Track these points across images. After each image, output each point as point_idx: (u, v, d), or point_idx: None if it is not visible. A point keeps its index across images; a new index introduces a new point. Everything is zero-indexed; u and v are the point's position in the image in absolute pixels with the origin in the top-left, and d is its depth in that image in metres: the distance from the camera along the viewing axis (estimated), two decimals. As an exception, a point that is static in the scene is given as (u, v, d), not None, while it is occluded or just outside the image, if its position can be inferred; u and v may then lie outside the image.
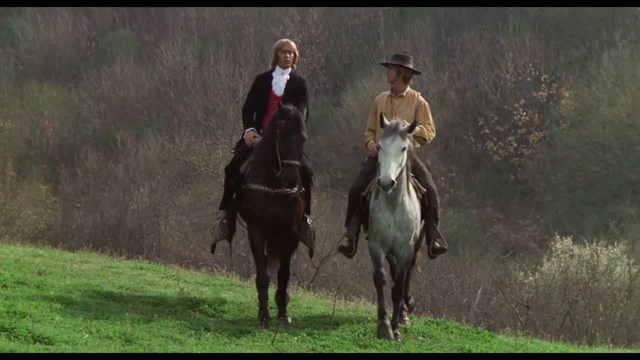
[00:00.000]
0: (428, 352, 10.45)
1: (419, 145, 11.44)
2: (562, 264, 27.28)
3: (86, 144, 41.89)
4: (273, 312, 11.42)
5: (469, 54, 43.93)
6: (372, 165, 10.94)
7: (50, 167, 40.70)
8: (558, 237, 29.28)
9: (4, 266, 12.82)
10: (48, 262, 14.04)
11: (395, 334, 10.75)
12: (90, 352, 9.09)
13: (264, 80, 11.62)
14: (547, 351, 11.29)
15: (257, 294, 11.32)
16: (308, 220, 11.46)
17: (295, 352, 9.97)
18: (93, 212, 32.03)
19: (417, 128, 11.20)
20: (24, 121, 42.57)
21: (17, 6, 48.28)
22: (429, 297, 23.74)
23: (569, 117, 41.32)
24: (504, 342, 11.37)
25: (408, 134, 10.55)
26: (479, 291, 25.08)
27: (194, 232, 30.99)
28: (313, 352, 10.07)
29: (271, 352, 9.81)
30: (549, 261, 28.17)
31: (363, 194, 11.01)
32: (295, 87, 11.53)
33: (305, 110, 11.09)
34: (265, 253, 11.36)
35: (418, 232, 11.01)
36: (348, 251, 11.19)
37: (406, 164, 10.66)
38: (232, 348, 9.83)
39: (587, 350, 12.49)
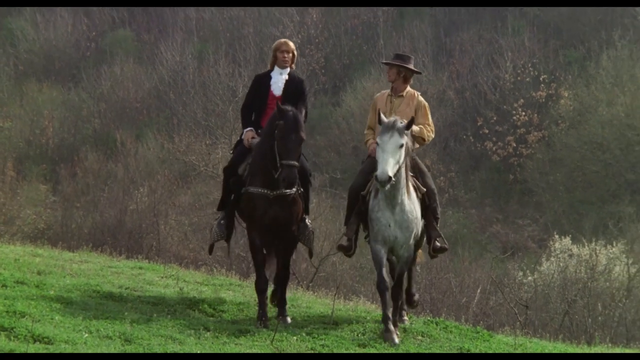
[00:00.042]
0: (427, 351, 10.46)
1: (418, 146, 11.45)
2: (561, 264, 27.29)
3: (86, 143, 41.89)
4: (272, 312, 11.43)
5: (468, 54, 43.94)
6: (372, 164, 10.93)
7: (49, 167, 40.70)
8: (557, 236, 29.29)
9: (4, 266, 12.83)
10: (48, 261, 14.05)
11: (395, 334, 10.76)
12: (89, 351, 9.10)
13: (263, 80, 11.61)
14: (546, 351, 11.31)
15: (256, 293, 11.34)
16: (307, 220, 11.46)
17: (295, 351, 9.98)
18: (93, 211, 32.03)
19: (417, 128, 11.21)
20: (23, 121, 42.56)
21: (16, 6, 48.27)
22: (428, 297, 23.75)
23: (568, 117, 41.33)
24: (503, 342, 11.37)
25: (406, 131, 10.53)
26: (478, 291, 25.09)
27: (193, 232, 31.00)
28: (312, 351, 10.08)
29: (270, 351, 9.82)
30: (547, 261, 28.18)
31: (363, 193, 11.00)
32: (293, 87, 11.52)
33: (303, 111, 11.08)
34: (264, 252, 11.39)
35: (419, 232, 11.01)
36: (347, 250, 11.18)
37: (406, 164, 10.65)
38: (232, 347, 9.84)
39: (585, 349, 12.51)
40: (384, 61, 12.04)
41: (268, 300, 11.47)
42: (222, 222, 11.54)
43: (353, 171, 30.82)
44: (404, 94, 11.38)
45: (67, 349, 9.13)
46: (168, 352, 9.35)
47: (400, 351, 10.32)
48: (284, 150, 10.67)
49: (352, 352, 10.17)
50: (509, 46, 43.37)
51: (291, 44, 11.70)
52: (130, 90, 44.78)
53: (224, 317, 11.33)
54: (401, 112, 11.06)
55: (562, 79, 42.65)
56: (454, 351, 10.61)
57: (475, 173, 41.52)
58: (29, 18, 48.55)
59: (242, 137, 11.56)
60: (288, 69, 11.61)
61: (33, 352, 8.88)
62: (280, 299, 11.45)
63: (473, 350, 10.68)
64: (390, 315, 10.67)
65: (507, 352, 10.87)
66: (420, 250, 11.84)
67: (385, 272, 10.78)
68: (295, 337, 10.37)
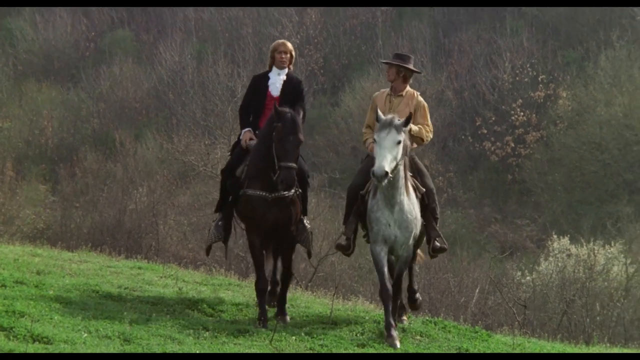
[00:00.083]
0: (426, 351, 10.47)
1: (416, 145, 11.46)
2: (560, 264, 27.31)
3: (85, 143, 41.90)
4: (272, 312, 11.44)
5: (467, 54, 43.97)
6: (371, 163, 10.90)
7: (49, 167, 40.71)
8: (555, 236, 29.32)
9: (3, 266, 12.83)
10: (47, 261, 14.05)
11: None
12: (89, 351, 9.11)
13: (261, 81, 11.61)
14: (545, 350, 11.31)
15: (255, 293, 11.35)
16: (305, 221, 11.45)
17: (294, 351, 9.99)
18: (92, 211, 32.04)
19: (416, 128, 11.21)
20: (23, 121, 42.57)
21: (16, 6, 48.28)
22: (427, 297, 23.73)
23: (566, 117, 41.37)
24: (502, 342, 11.38)
25: (404, 128, 10.53)
26: (477, 291, 25.11)
27: (192, 231, 31.01)
28: (311, 351, 10.09)
29: (269, 351, 9.83)
30: (546, 261, 28.20)
31: (362, 193, 10.99)
32: (291, 88, 11.52)
33: (301, 113, 11.08)
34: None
35: (417, 232, 10.99)
36: (346, 249, 11.17)
37: (405, 164, 10.64)
38: (231, 347, 9.85)
39: (584, 349, 12.52)
40: (384, 60, 12.02)
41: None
42: (219, 223, 11.53)
43: (352, 171, 30.86)
44: (404, 93, 11.37)
45: (67, 348, 9.14)
46: (167, 352, 9.36)
47: (399, 351, 10.32)
48: (282, 152, 10.66)
49: (351, 352, 10.18)
50: (507, 46, 43.40)
51: (289, 45, 11.69)
52: (130, 90, 44.80)
53: (223, 317, 11.33)
54: (400, 111, 11.03)
55: (561, 79, 42.68)
56: (453, 351, 10.61)
57: (474, 173, 41.55)
58: (28, 18, 48.56)
59: (240, 137, 11.55)
60: (286, 70, 11.61)
61: (32, 352, 8.89)
62: (280, 299, 11.45)
63: (472, 350, 10.68)
64: (393, 322, 10.65)
65: (506, 352, 10.87)
66: (420, 251, 11.85)
67: (387, 280, 10.74)
68: (294, 337, 10.38)
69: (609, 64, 41.16)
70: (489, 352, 10.74)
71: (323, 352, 10.10)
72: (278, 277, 11.88)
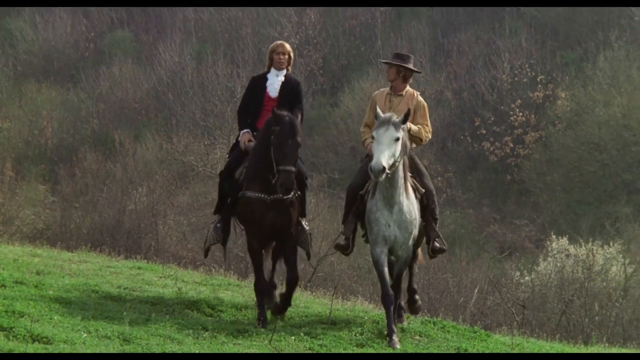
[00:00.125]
0: (425, 351, 10.48)
1: (415, 145, 11.46)
2: (558, 264, 27.32)
3: (84, 144, 41.92)
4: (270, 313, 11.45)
5: (466, 54, 44.01)
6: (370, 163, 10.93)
7: (48, 167, 40.73)
8: (554, 237, 29.33)
9: (3, 266, 12.85)
10: (46, 261, 14.07)
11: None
12: (88, 351, 9.12)
13: (259, 82, 11.60)
14: (543, 350, 11.32)
15: (255, 294, 11.37)
16: (304, 223, 11.45)
17: (293, 351, 9.99)
18: (91, 212, 32.06)
19: (415, 127, 11.20)
20: (22, 121, 42.59)
21: (15, 6, 48.29)
22: (426, 297, 23.76)
23: (565, 117, 41.41)
24: (501, 342, 11.38)
25: (402, 126, 10.50)
26: (476, 291, 25.12)
27: (192, 232, 31.02)
28: (310, 351, 10.10)
29: (269, 351, 9.84)
30: (545, 261, 28.21)
31: (361, 193, 10.97)
32: (289, 89, 11.51)
33: (299, 116, 11.07)
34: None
35: (417, 233, 10.97)
36: (345, 249, 11.16)
37: (404, 164, 10.62)
38: (230, 347, 9.86)
39: (582, 349, 12.53)
40: (384, 60, 12.02)
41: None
42: (218, 225, 11.51)
43: (351, 171, 30.86)
44: (404, 93, 11.36)
45: (66, 348, 9.15)
46: (166, 352, 9.37)
47: (398, 351, 10.33)
48: (280, 155, 10.65)
49: (350, 351, 10.19)
50: (506, 47, 43.44)
51: (287, 46, 11.69)
52: (129, 91, 44.82)
53: (222, 317, 11.34)
54: (400, 111, 10.98)
55: (559, 80, 42.72)
56: (452, 351, 10.62)
57: (473, 173, 41.58)
58: (27, 19, 48.58)
59: (239, 138, 11.55)
60: (284, 71, 11.60)
61: (32, 352, 8.90)
62: (284, 301, 11.42)
63: (470, 350, 10.69)
64: (394, 328, 10.63)
65: (505, 352, 10.88)
66: (420, 252, 11.84)
67: (389, 284, 10.70)
68: (293, 337, 10.39)
69: (607, 64, 41.20)
70: (487, 352, 10.74)
71: (322, 352, 10.10)
72: (275, 279, 11.88)
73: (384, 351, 10.28)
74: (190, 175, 35.53)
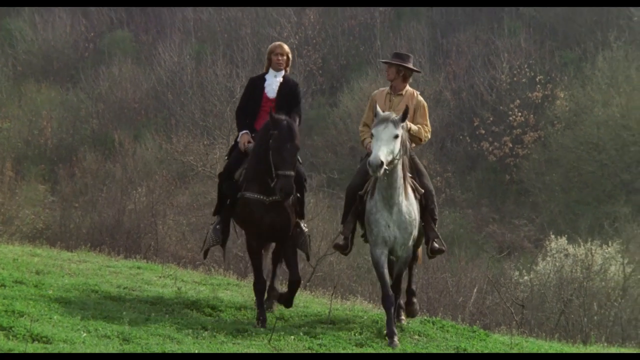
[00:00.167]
0: (424, 351, 10.48)
1: (414, 145, 11.45)
2: (557, 264, 27.33)
3: (84, 144, 41.92)
4: (270, 315, 11.47)
5: (465, 55, 44.03)
6: (369, 162, 10.89)
7: (48, 167, 40.74)
8: (553, 236, 29.34)
9: (3, 265, 12.87)
10: (46, 261, 14.08)
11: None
12: (88, 351, 9.13)
13: (257, 83, 11.60)
14: (542, 350, 11.33)
15: (254, 294, 11.38)
16: (302, 225, 11.46)
17: (292, 351, 10.00)
18: (91, 211, 32.07)
19: (415, 127, 11.18)
20: (22, 121, 42.59)
21: (15, 6, 48.29)
22: (425, 296, 23.79)
23: (563, 117, 41.43)
24: (500, 341, 11.40)
25: (401, 124, 10.48)
26: (475, 290, 25.14)
27: (191, 231, 31.03)
28: (310, 351, 10.11)
29: (268, 351, 9.85)
30: (543, 260, 28.22)
31: (360, 193, 10.96)
32: (287, 90, 11.50)
33: (297, 119, 11.06)
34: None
35: (417, 233, 10.96)
36: (343, 249, 11.15)
37: (403, 164, 10.60)
38: (230, 347, 9.88)
39: (581, 349, 12.54)
40: (383, 60, 12.01)
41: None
42: (217, 227, 11.51)
43: (350, 171, 30.88)
44: (404, 92, 11.34)
45: (66, 348, 9.16)
46: (166, 351, 9.38)
47: (397, 351, 10.34)
48: (279, 160, 10.65)
49: (349, 351, 10.20)
50: (505, 47, 43.47)
51: (286, 47, 11.69)
52: (129, 91, 44.83)
53: (221, 317, 11.36)
54: (400, 110, 10.90)
55: (558, 80, 42.75)
56: (451, 351, 10.63)
57: (472, 173, 41.60)
58: (27, 19, 48.58)
59: (238, 139, 11.54)
60: (283, 72, 11.59)
61: (32, 351, 8.91)
62: (285, 301, 11.42)
63: (470, 350, 10.70)
64: (395, 329, 10.62)
65: (504, 351, 10.89)
66: (420, 252, 11.82)
67: (389, 286, 10.68)
68: (292, 337, 10.41)
69: (606, 64, 41.21)
70: (486, 351, 10.74)
71: (322, 351, 10.12)
72: (276, 285, 11.87)
73: (383, 351, 10.29)
74: (189, 175, 35.54)
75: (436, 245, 11.14)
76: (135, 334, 9.91)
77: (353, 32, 46.66)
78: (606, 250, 27.79)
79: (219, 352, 9.64)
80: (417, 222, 10.86)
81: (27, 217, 31.88)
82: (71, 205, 33.55)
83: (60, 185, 37.33)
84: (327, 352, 10.10)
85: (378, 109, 10.61)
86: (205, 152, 35.07)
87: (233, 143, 11.77)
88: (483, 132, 42.02)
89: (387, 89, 11.45)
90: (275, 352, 9.82)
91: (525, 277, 27.49)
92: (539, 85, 42.57)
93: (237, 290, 13.32)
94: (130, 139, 41.19)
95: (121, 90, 44.84)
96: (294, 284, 11.26)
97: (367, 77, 42.47)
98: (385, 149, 10.24)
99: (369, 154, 10.90)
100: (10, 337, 9.32)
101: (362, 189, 11.00)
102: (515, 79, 42.79)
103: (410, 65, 11.39)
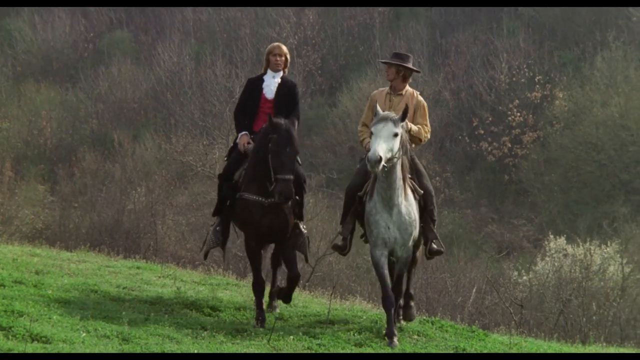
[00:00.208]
0: (423, 351, 10.49)
1: (414, 145, 11.45)
2: (556, 264, 27.34)
3: (83, 144, 41.94)
4: (270, 314, 11.49)
5: (464, 55, 44.05)
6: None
7: (47, 167, 40.75)
8: (552, 236, 29.35)
9: (2, 265, 12.88)
10: (46, 261, 14.10)
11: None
12: (87, 351, 9.14)
13: (255, 84, 11.59)
14: (541, 350, 11.33)
15: (253, 294, 11.39)
16: (301, 226, 11.47)
17: (292, 351, 10.01)
18: (90, 211, 32.09)
19: (415, 128, 11.17)
20: (21, 122, 42.60)
21: (14, 6, 48.29)
22: (424, 296, 23.81)
23: (562, 117, 41.45)
24: (498, 341, 11.40)
25: (401, 123, 10.47)
26: (474, 290, 25.15)
27: (190, 231, 31.05)
28: (309, 351, 10.12)
29: (267, 351, 9.86)
30: (542, 261, 28.23)
31: (359, 194, 10.95)
32: (286, 91, 11.50)
33: (296, 122, 11.05)
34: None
35: (416, 234, 10.95)
36: (342, 250, 11.15)
37: (403, 165, 10.57)
38: (229, 347, 9.89)
39: (580, 349, 12.55)
40: (383, 60, 12.00)
41: (266, 297, 11.55)
42: (217, 228, 11.52)
43: (349, 171, 30.89)
44: (403, 92, 11.31)
45: (65, 348, 9.17)
46: (165, 351, 9.39)
47: (396, 351, 10.35)
48: (278, 164, 10.67)
49: (348, 351, 10.20)
50: (504, 47, 43.49)
51: (284, 48, 11.68)
52: (128, 91, 44.84)
53: (221, 317, 11.37)
54: (400, 110, 10.87)
55: (557, 80, 42.77)
56: (450, 350, 10.64)
57: (471, 173, 41.62)
58: (26, 19, 48.59)
59: (237, 141, 11.53)
60: (281, 73, 11.59)
61: (31, 351, 8.91)
62: (284, 297, 11.42)
63: (469, 350, 10.70)
64: (395, 330, 10.62)
65: (503, 351, 10.89)
66: (419, 253, 11.78)
67: (390, 287, 10.68)
68: (292, 337, 10.41)
69: (605, 64, 41.24)
70: (485, 351, 10.75)
71: (321, 351, 10.12)
72: (276, 287, 11.86)
73: (382, 351, 10.30)
74: (189, 175, 35.56)
75: (435, 246, 11.13)
76: (135, 333, 9.92)
77: (352, 33, 46.68)
78: (605, 250, 27.80)
79: (218, 352, 9.64)
80: (417, 222, 10.84)
81: (26, 217, 31.90)
82: (70, 205, 33.58)
83: (60, 185, 37.35)
84: (326, 352, 10.11)
85: (378, 108, 10.60)
86: (204, 152, 35.09)
87: (232, 144, 11.78)
88: (482, 132, 42.04)
89: (386, 89, 11.42)
90: (274, 352, 9.84)
91: (524, 277, 27.50)
92: (537, 86, 42.59)
93: (237, 290, 13.33)
94: (130, 139, 41.19)
95: (120, 90, 44.85)
96: (293, 280, 11.27)
97: (366, 77, 42.50)
98: (385, 145, 10.22)
99: (368, 152, 10.94)
100: (10, 337, 9.33)
101: (361, 189, 10.97)
102: (514, 79, 42.81)
103: (410, 65, 11.36)
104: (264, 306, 11.24)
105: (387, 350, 10.34)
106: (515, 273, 28.29)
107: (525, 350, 11.16)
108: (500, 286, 25.10)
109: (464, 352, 10.64)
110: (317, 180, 36.13)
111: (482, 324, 20.51)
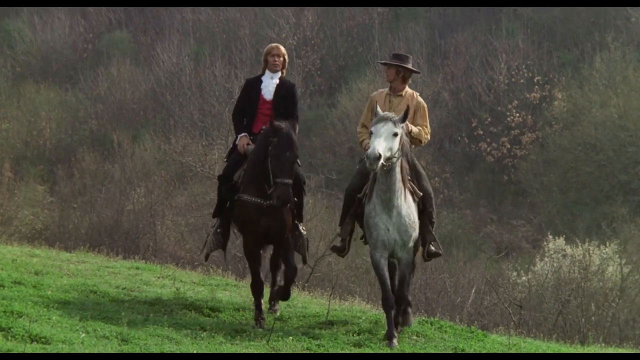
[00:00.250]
0: (422, 351, 10.49)
1: (414, 147, 11.44)
2: (555, 264, 27.35)
3: (83, 144, 41.94)
4: (270, 315, 11.50)
5: (463, 55, 44.08)
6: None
7: (47, 167, 40.75)
8: (551, 237, 29.35)
9: (1, 266, 12.90)
10: (45, 262, 14.11)
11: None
12: (86, 351, 9.15)
13: (254, 85, 11.58)
14: (540, 350, 11.33)
15: (252, 295, 11.40)
16: (301, 227, 11.48)
17: (291, 351, 10.02)
18: (90, 212, 32.09)
19: (416, 129, 11.15)
20: (21, 122, 42.61)
21: (13, 6, 48.29)
22: (423, 297, 23.82)
23: (561, 118, 41.48)
24: (497, 342, 11.40)
25: (401, 124, 10.46)
26: (473, 291, 25.16)
27: (190, 232, 31.06)
28: (308, 351, 10.12)
29: (266, 351, 9.87)
30: (541, 261, 28.23)
31: (359, 196, 10.94)
32: (284, 91, 11.49)
33: (296, 126, 11.05)
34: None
35: (416, 236, 10.91)
36: (340, 251, 11.15)
37: (402, 166, 10.56)
38: (228, 347, 9.90)
39: (579, 349, 12.54)
40: (382, 61, 11.98)
41: (266, 297, 11.56)
42: (218, 231, 11.52)
43: (348, 172, 30.93)
44: (403, 93, 11.30)
45: (65, 348, 9.17)
46: (165, 352, 9.40)
47: (395, 351, 10.36)
48: (278, 168, 10.67)
49: (347, 351, 10.21)
50: (503, 48, 43.52)
51: (282, 49, 11.67)
52: (127, 92, 44.85)
53: (220, 317, 11.38)
54: (400, 111, 10.87)
55: (556, 81, 42.80)
56: (449, 351, 10.64)
57: (470, 174, 41.65)
58: (26, 20, 48.60)
59: (236, 142, 11.53)
60: (279, 73, 11.57)
61: (30, 352, 8.92)
62: (283, 293, 11.42)
63: (467, 350, 10.70)
64: (394, 332, 10.61)
65: (501, 351, 10.89)
66: (418, 254, 11.78)
67: (389, 288, 10.65)
68: (291, 337, 10.42)
69: (604, 65, 41.27)
70: (484, 352, 10.74)
71: (320, 352, 10.13)
72: (277, 286, 11.87)
73: (381, 351, 10.31)
74: (188, 176, 35.56)
75: (433, 248, 11.11)
76: (134, 334, 9.93)
77: (351, 33, 46.70)
78: (604, 251, 27.81)
79: (218, 352, 9.65)
80: (416, 224, 10.81)
81: (25, 217, 31.91)
82: (70, 205, 33.59)
83: (59, 186, 37.35)
84: (326, 352, 10.12)
85: (378, 108, 10.58)
86: (203, 153, 35.09)
87: (232, 145, 11.78)
88: (481, 132, 42.07)
89: (386, 90, 11.40)
90: (273, 352, 9.84)
91: (523, 278, 27.51)
92: (536, 86, 42.62)
93: (236, 291, 13.34)
94: (129, 139, 41.20)
95: (120, 91, 44.86)
96: (290, 272, 11.21)
97: (366, 78, 42.52)
98: (385, 143, 10.20)
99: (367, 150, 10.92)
100: (9, 337, 9.33)
101: (360, 191, 10.95)
102: (513, 79, 42.84)
103: (410, 66, 11.35)
104: (263, 307, 11.26)
105: (386, 350, 10.35)
106: (514, 273, 28.30)
107: (524, 351, 11.16)
108: (499, 287, 25.12)
109: (463, 352, 10.64)
110: (316, 180, 36.16)
111: (481, 324, 20.52)
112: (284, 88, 11.53)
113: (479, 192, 40.93)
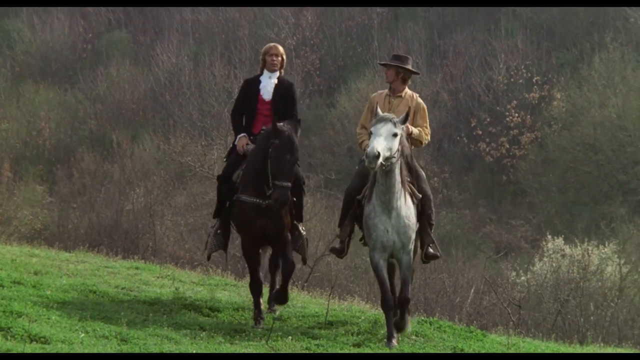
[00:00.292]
0: (421, 351, 10.50)
1: (414, 147, 11.44)
2: (554, 264, 27.36)
3: (82, 144, 41.94)
4: (269, 315, 11.51)
5: (462, 56, 44.09)
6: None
7: (46, 167, 40.75)
8: (550, 237, 29.37)
9: (1, 266, 12.91)
10: (44, 262, 14.13)
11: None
12: (86, 351, 9.15)
13: (252, 85, 11.56)
14: (539, 350, 11.34)
15: (251, 295, 11.41)
16: (300, 228, 11.48)
17: (290, 351, 10.03)
18: (89, 212, 32.10)
19: (416, 131, 11.13)
20: (20, 122, 42.62)
21: (13, 6, 48.29)
22: (422, 297, 23.82)
23: (560, 118, 41.50)
24: (497, 342, 11.42)
25: (402, 125, 10.45)
26: (472, 291, 25.17)
27: (189, 232, 31.07)
28: (307, 351, 10.13)
29: (266, 351, 9.88)
30: (540, 261, 28.25)
31: (358, 198, 10.92)
32: (283, 91, 11.48)
33: (299, 129, 11.05)
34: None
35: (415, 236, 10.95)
36: (339, 253, 11.13)
37: (401, 168, 10.55)
38: (227, 347, 9.91)
39: (578, 349, 12.57)
40: (382, 62, 11.97)
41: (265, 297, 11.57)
42: (218, 231, 11.51)
43: (348, 172, 30.94)
44: (403, 94, 11.28)
45: (64, 348, 9.18)
46: (164, 351, 9.41)
47: (394, 351, 10.37)
48: (278, 170, 10.66)
49: (346, 351, 10.22)
50: (502, 48, 43.53)
51: (280, 48, 11.65)
52: (127, 92, 44.85)
53: (219, 317, 11.39)
54: (400, 112, 10.90)
55: (555, 81, 42.83)
56: (448, 351, 10.64)
57: (469, 174, 41.67)
58: (25, 20, 48.59)
59: (236, 143, 11.52)
60: (277, 73, 11.55)
61: (30, 352, 8.93)
62: (281, 292, 11.41)
63: (467, 350, 10.71)
64: (394, 332, 10.60)
65: (501, 351, 10.89)
66: (417, 255, 11.77)
67: (389, 289, 10.64)
68: (290, 337, 10.43)
69: (602, 65, 41.29)
70: (483, 351, 10.75)
71: (319, 351, 10.14)
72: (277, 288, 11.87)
73: (380, 351, 10.31)
74: (187, 176, 35.58)
75: (431, 250, 11.09)
76: (133, 334, 9.94)
77: (350, 33, 46.71)
78: (603, 251, 27.83)
79: (217, 352, 9.66)
80: (415, 225, 10.80)
81: (25, 217, 31.92)
82: (69, 205, 33.59)
83: (59, 186, 37.35)
84: (325, 352, 10.12)
85: (378, 109, 10.58)
86: (203, 153, 35.13)
87: (231, 145, 11.77)
88: (480, 132, 42.08)
89: (386, 91, 11.37)
90: (272, 352, 9.85)
91: (522, 278, 27.52)
92: (535, 86, 42.64)
93: (235, 291, 13.35)
94: (128, 139, 41.20)
95: (119, 91, 44.86)
96: (288, 268, 11.18)
97: (365, 78, 42.53)
98: (384, 143, 10.19)
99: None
100: (9, 337, 9.34)
101: (360, 192, 10.93)
102: (512, 79, 42.86)
103: (409, 67, 11.34)
104: (262, 307, 11.26)
105: (385, 350, 10.36)
106: (513, 273, 28.32)
107: (523, 351, 11.17)
108: (498, 286, 25.12)
109: (462, 352, 10.65)
110: (315, 181, 36.17)
111: (480, 324, 20.52)
112: (282, 88, 11.51)
113: (478, 192, 40.95)
